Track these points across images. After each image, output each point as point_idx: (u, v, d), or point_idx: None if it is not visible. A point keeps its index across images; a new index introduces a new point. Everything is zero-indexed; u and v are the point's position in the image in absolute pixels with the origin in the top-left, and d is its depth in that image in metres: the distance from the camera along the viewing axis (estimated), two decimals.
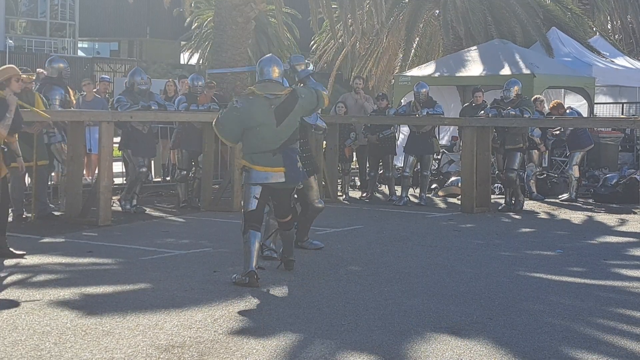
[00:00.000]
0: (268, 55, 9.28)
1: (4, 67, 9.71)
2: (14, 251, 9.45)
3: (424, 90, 15.38)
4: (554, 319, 7.15)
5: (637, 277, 9.10)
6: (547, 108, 17.68)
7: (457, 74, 20.05)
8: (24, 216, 12.35)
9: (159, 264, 9.26)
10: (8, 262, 9.21)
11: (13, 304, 7.37)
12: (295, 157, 8.65)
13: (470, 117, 15.02)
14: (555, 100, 16.75)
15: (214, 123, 8.78)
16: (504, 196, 14.83)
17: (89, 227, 11.80)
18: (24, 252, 9.50)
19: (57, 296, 7.66)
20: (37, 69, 13.74)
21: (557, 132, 16.56)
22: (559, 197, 16.07)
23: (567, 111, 16.33)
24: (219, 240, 10.84)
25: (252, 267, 8.25)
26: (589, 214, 14.35)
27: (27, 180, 13.00)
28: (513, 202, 14.44)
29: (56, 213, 12.80)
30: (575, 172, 15.97)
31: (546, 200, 15.87)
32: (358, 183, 17.59)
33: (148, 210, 13.74)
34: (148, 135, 13.65)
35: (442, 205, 15.48)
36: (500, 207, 14.46)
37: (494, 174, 14.97)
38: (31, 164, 12.14)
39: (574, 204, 15.50)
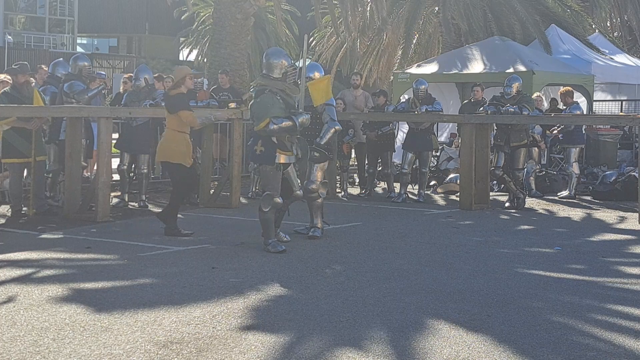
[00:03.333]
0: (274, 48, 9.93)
1: (179, 67, 11.49)
2: (183, 230, 10.92)
3: (423, 86, 15.38)
4: (553, 315, 7.16)
5: (636, 274, 9.11)
6: (546, 105, 17.72)
7: (457, 71, 20.05)
8: (22, 212, 12.35)
9: (158, 260, 9.26)
10: (6, 257, 9.21)
11: (11, 299, 7.37)
12: (255, 140, 10.03)
13: (469, 114, 15.03)
14: (566, 88, 16.71)
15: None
16: (507, 194, 14.77)
17: (87, 223, 11.79)
18: (192, 232, 10.96)
19: (55, 292, 7.65)
20: (39, 65, 13.70)
21: (556, 131, 16.60)
22: (558, 194, 16.06)
23: (574, 104, 16.33)
24: (218, 237, 10.84)
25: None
26: (588, 211, 14.35)
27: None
28: (513, 200, 14.42)
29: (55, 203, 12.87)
30: (575, 169, 15.97)
31: (545, 197, 15.88)
32: (357, 180, 17.58)
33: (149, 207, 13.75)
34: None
35: (440, 202, 15.47)
36: (506, 205, 14.41)
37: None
38: (29, 159, 12.15)
39: (572, 201, 15.50)
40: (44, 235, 10.84)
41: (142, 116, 13.43)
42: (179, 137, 10.82)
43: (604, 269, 9.33)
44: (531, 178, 16.11)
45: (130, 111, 12.85)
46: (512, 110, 14.13)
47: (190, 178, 11.40)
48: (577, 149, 16.25)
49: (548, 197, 15.87)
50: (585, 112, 18.44)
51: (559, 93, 17.29)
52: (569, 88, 16.68)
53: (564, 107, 16.79)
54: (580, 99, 20.19)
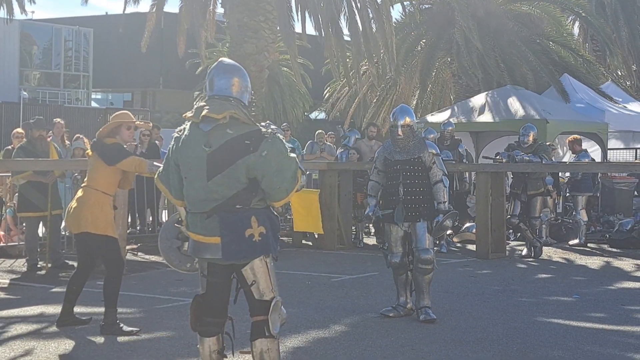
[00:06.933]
0: (223, 60, 5.84)
1: (119, 113, 8.85)
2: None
3: (432, 135, 15.06)
4: None
5: None
6: (561, 154, 17.70)
7: (471, 120, 20.09)
8: (38, 265, 12.34)
9: (174, 313, 9.21)
10: (22, 311, 9.19)
11: (28, 353, 7.34)
12: (246, 221, 5.55)
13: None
14: (574, 136, 16.69)
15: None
16: (524, 243, 14.68)
17: (102, 276, 11.74)
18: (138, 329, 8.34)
19: (72, 346, 7.62)
20: (54, 119, 13.78)
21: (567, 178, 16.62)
22: (569, 242, 15.97)
23: (582, 152, 16.33)
24: (233, 288, 10.77)
25: None
26: (606, 259, 14.24)
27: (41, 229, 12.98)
28: (530, 248, 14.30)
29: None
30: (584, 216, 15.90)
31: (560, 245, 15.79)
32: (372, 230, 17.52)
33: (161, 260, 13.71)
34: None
35: (457, 251, 15.39)
36: (523, 254, 14.30)
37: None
38: (45, 213, 12.17)
39: (588, 249, 15.39)
40: (58, 289, 10.80)
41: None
42: (105, 200, 8.34)
43: (624, 317, 9.23)
44: (543, 226, 16.00)
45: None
46: (527, 158, 14.10)
47: (119, 252, 8.84)
48: (585, 197, 16.17)
49: (565, 246, 15.78)
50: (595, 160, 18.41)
51: (567, 141, 17.27)
52: (577, 136, 16.66)
53: (573, 155, 16.75)
54: (594, 147, 20.20)
